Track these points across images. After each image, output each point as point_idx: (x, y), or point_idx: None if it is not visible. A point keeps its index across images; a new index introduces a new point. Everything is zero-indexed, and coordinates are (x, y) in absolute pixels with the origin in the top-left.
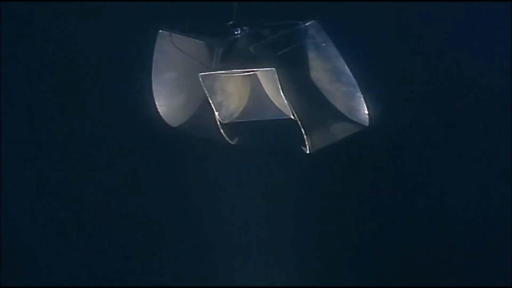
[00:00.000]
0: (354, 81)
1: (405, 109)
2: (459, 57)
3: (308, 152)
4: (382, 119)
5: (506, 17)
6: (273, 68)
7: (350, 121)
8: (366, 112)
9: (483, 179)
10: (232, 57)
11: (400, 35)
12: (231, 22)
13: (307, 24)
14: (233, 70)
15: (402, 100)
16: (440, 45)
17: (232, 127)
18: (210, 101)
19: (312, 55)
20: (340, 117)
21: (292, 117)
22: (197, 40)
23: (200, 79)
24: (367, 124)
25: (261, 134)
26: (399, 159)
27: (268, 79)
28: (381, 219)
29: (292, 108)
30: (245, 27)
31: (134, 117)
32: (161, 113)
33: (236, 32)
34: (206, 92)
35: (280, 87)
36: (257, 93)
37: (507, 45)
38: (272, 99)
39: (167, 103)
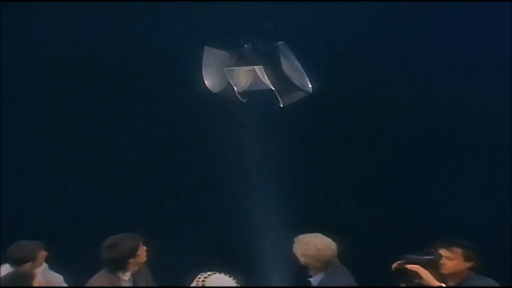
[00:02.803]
0: (303, 70)
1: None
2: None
3: (281, 105)
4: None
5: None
6: (261, 66)
7: (301, 89)
8: (310, 85)
9: None
10: (242, 60)
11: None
12: (245, 44)
13: (279, 43)
14: (242, 67)
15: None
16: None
17: (242, 93)
18: (231, 81)
19: (282, 60)
20: (297, 87)
21: (273, 88)
22: (224, 52)
23: (225, 71)
24: (310, 91)
25: (257, 96)
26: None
27: (260, 71)
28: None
29: (272, 85)
30: (248, 44)
31: (196, 87)
32: (208, 86)
33: (245, 45)
34: (228, 77)
35: (266, 75)
36: (255, 77)
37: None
38: (262, 80)
39: (211, 81)
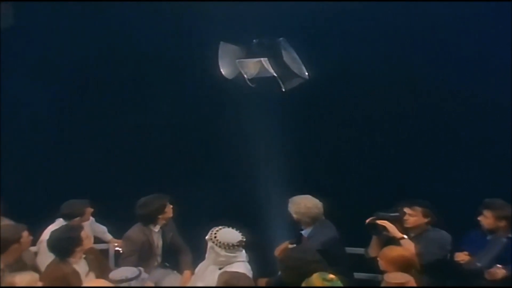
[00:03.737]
0: (300, 61)
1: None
2: None
3: (283, 89)
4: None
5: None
6: (266, 58)
7: (299, 76)
8: (306, 73)
9: None
10: (251, 53)
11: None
12: (253, 40)
13: (281, 39)
14: (251, 59)
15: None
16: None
17: (251, 80)
18: (241, 70)
19: (283, 52)
20: (294, 75)
21: (276, 75)
22: (236, 46)
23: (237, 62)
24: (307, 77)
25: (263, 82)
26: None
27: (265, 61)
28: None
29: (274, 71)
30: (255, 40)
31: (214, 75)
32: (223, 73)
33: (253, 41)
34: (239, 67)
35: (270, 65)
36: (261, 67)
37: None
38: (267, 69)
39: (226, 70)
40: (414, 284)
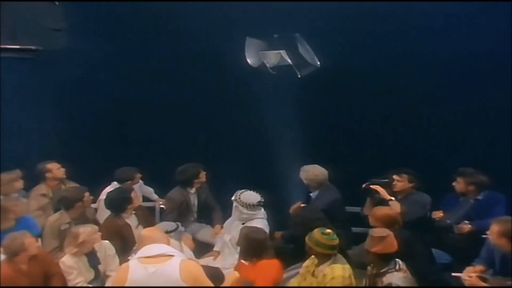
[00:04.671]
0: (312, 52)
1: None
2: None
3: (299, 76)
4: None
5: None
6: (284, 50)
7: (312, 64)
8: (318, 62)
9: None
10: (272, 46)
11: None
12: (274, 35)
13: (296, 34)
14: (272, 50)
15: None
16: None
17: (272, 68)
18: (264, 60)
19: (299, 45)
20: (308, 64)
21: (292, 64)
22: (260, 40)
23: (260, 53)
24: (318, 66)
25: (282, 69)
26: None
27: (284, 53)
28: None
29: (291, 61)
30: (276, 35)
31: (242, 64)
32: (249, 62)
33: (274, 36)
34: (262, 57)
35: (288, 56)
36: (281, 57)
37: None
38: (285, 59)
39: (252, 59)
40: (393, 238)
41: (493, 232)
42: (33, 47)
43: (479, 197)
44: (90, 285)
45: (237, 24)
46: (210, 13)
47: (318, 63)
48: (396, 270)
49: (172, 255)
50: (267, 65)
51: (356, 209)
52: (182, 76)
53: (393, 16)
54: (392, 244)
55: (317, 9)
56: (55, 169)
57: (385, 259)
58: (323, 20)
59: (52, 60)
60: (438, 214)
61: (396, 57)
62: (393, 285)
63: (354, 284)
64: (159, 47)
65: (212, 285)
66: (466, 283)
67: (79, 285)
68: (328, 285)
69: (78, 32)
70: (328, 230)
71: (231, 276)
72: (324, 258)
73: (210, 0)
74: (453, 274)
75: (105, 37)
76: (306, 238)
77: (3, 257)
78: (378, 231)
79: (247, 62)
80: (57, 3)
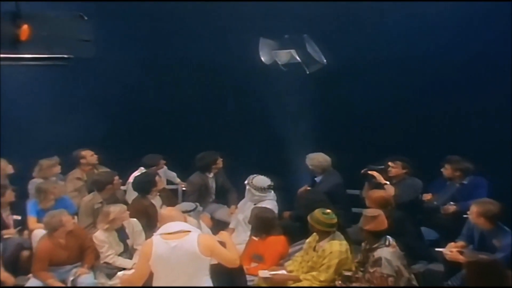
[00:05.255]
0: (319, 51)
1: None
2: None
3: (307, 72)
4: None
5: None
6: (294, 49)
7: (319, 62)
8: (324, 60)
9: None
10: (283, 45)
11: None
12: (285, 36)
13: (304, 35)
14: (283, 50)
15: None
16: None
17: (283, 65)
18: (276, 58)
19: (307, 45)
20: (315, 61)
21: (299, 60)
22: (272, 40)
23: (273, 52)
24: (325, 62)
25: (292, 66)
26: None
27: (294, 52)
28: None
29: (300, 59)
30: (286, 35)
31: (256, 61)
32: (263, 60)
33: (285, 36)
34: (274, 56)
35: (297, 54)
36: (291, 56)
37: None
38: (295, 57)
39: (265, 57)
40: (384, 217)
41: (473, 212)
42: (65, 56)
43: (464, 182)
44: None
45: (253, 26)
46: (228, 17)
47: (325, 60)
48: (386, 246)
49: (190, 231)
50: (279, 62)
51: (356, 192)
52: (202, 73)
53: (394, 15)
54: (382, 222)
55: (323, 11)
56: (89, 155)
57: (376, 236)
58: (328, 21)
59: (82, 66)
60: (427, 197)
61: (394, 54)
62: (383, 259)
63: (350, 258)
64: (180, 45)
65: (226, 251)
66: (447, 257)
67: (109, 257)
68: (326, 258)
69: (103, 41)
70: (328, 211)
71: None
72: (324, 235)
73: (228, 0)
74: (437, 249)
75: (127, 44)
76: (308, 217)
77: (44, 232)
78: (370, 211)
79: (261, 59)
80: (85, 17)
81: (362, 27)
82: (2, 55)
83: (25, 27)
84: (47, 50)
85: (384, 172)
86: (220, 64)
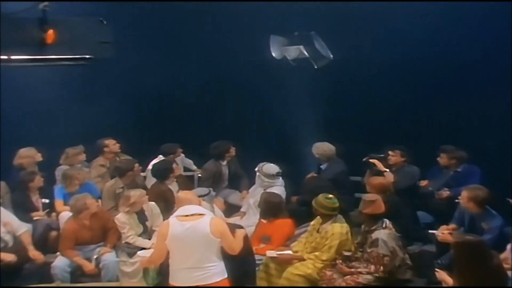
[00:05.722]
0: (326, 47)
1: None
2: None
3: (315, 67)
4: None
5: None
6: (302, 45)
7: (326, 57)
8: (331, 55)
9: None
10: (292, 42)
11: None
12: (295, 33)
13: (312, 32)
14: (292, 46)
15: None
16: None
17: (292, 60)
18: (285, 54)
19: (314, 41)
20: (323, 56)
21: (308, 55)
22: (282, 37)
23: (283, 48)
24: (331, 57)
25: (300, 61)
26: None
27: (302, 48)
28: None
29: (308, 54)
30: (296, 32)
31: (267, 56)
32: (274, 55)
33: (295, 33)
34: (284, 51)
35: (305, 50)
36: (300, 51)
37: None
38: (304, 53)
39: (275, 53)
40: (381, 202)
41: (463, 197)
42: (87, 56)
43: (458, 169)
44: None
45: (263, 24)
46: (241, 16)
47: (331, 56)
48: (383, 228)
49: (204, 214)
50: (288, 57)
51: (358, 178)
52: (216, 69)
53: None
54: (380, 206)
55: (329, 8)
56: (112, 144)
57: (374, 219)
58: (335, 18)
59: (104, 64)
60: (424, 183)
61: (395, 53)
62: (380, 240)
63: (350, 240)
64: (196, 43)
65: (233, 239)
66: (439, 238)
67: (130, 237)
68: (328, 240)
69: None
70: (331, 196)
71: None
72: (326, 218)
73: (243, 0)
74: (430, 231)
75: (145, 43)
76: (313, 202)
77: (70, 214)
78: (369, 196)
79: (271, 55)
80: (105, 22)
81: (365, 25)
82: (31, 57)
83: (50, 31)
84: (70, 52)
85: (384, 160)
86: (233, 60)
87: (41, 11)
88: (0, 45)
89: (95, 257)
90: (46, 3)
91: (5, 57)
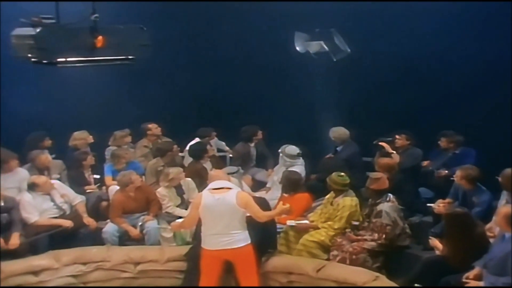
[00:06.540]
0: (344, 42)
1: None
2: None
3: (334, 60)
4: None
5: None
6: (323, 41)
7: (343, 51)
8: (348, 49)
9: None
10: (314, 38)
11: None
12: (316, 30)
13: (332, 29)
14: (314, 41)
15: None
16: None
17: (314, 53)
18: (308, 48)
19: (334, 37)
20: (341, 50)
21: (327, 50)
22: (305, 33)
23: (306, 43)
24: (349, 51)
25: (321, 55)
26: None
27: (323, 43)
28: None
29: (328, 49)
30: (317, 29)
31: (292, 50)
32: (298, 50)
33: (316, 30)
34: (307, 46)
35: (325, 45)
36: (321, 46)
37: None
38: (324, 47)
39: (299, 47)
40: (385, 179)
41: (457, 175)
42: (130, 57)
43: (456, 151)
44: (178, 208)
45: (288, 22)
46: (269, 14)
47: (348, 50)
48: (387, 201)
49: (231, 188)
50: (311, 51)
51: (369, 159)
52: (246, 62)
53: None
54: (384, 183)
55: (348, 8)
56: (154, 128)
57: (379, 194)
58: (351, 17)
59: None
60: (426, 163)
61: (404, 47)
62: (383, 211)
63: (358, 211)
64: (230, 38)
65: (258, 208)
66: (435, 211)
67: (169, 208)
68: (340, 211)
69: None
70: (342, 174)
71: (280, 206)
72: (338, 192)
73: (270, 0)
74: (428, 204)
75: (184, 40)
76: (327, 179)
77: (117, 187)
78: (374, 174)
79: (296, 49)
80: (144, 28)
81: (377, 24)
82: (84, 59)
83: (100, 37)
84: (116, 53)
85: (391, 143)
86: (262, 54)
87: (92, 21)
88: (60, 49)
89: (139, 224)
90: (96, 14)
91: (63, 59)
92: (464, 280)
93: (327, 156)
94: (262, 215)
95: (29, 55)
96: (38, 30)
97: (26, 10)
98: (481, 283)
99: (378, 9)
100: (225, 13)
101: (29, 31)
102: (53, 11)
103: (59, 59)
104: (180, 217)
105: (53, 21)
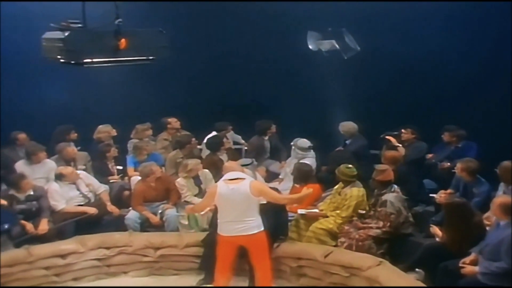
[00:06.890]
0: (354, 40)
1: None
2: None
3: (345, 57)
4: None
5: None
6: (334, 40)
7: (353, 49)
8: (358, 48)
9: None
10: (326, 36)
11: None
12: (329, 29)
13: (343, 29)
14: (326, 40)
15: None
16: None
17: (326, 51)
18: (320, 46)
19: (344, 36)
20: (351, 48)
21: (338, 48)
22: (317, 33)
23: (318, 41)
24: (358, 49)
25: (332, 52)
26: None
27: (334, 42)
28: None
29: (339, 47)
30: (329, 28)
31: (305, 48)
32: (311, 48)
33: (329, 29)
34: (319, 44)
35: (337, 43)
36: (332, 44)
37: None
38: (335, 45)
39: (312, 45)
40: (390, 171)
41: (458, 168)
42: (150, 57)
43: (459, 145)
44: (196, 198)
45: (300, 22)
46: (283, 14)
47: (358, 48)
48: (391, 192)
49: (245, 178)
50: (322, 49)
51: (377, 152)
52: (261, 61)
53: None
54: (389, 174)
55: (357, 8)
56: (174, 122)
57: (384, 185)
58: (361, 16)
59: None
60: (430, 156)
61: (410, 46)
62: (388, 201)
63: (365, 201)
64: (246, 38)
65: (274, 192)
66: (436, 201)
67: (188, 197)
68: (347, 201)
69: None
70: (350, 166)
71: (304, 190)
72: (346, 183)
73: (282, 0)
74: (431, 195)
75: (203, 39)
76: (336, 170)
77: (139, 178)
78: (380, 166)
79: (308, 47)
80: (164, 31)
81: (386, 24)
82: (109, 59)
83: (123, 40)
84: (138, 54)
85: (398, 137)
86: (276, 53)
87: (116, 25)
88: (86, 51)
89: (159, 212)
90: (120, 19)
91: (89, 60)
92: (461, 265)
93: (337, 149)
94: (280, 198)
95: (58, 56)
96: (66, 33)
97: (54, 16)
98: (477, 268)
99: (387, 9)
100: (243, 16)
101: (59, 34)
102: (80, 16)
103: (85, 60)
104: None
105: (80, 25)
